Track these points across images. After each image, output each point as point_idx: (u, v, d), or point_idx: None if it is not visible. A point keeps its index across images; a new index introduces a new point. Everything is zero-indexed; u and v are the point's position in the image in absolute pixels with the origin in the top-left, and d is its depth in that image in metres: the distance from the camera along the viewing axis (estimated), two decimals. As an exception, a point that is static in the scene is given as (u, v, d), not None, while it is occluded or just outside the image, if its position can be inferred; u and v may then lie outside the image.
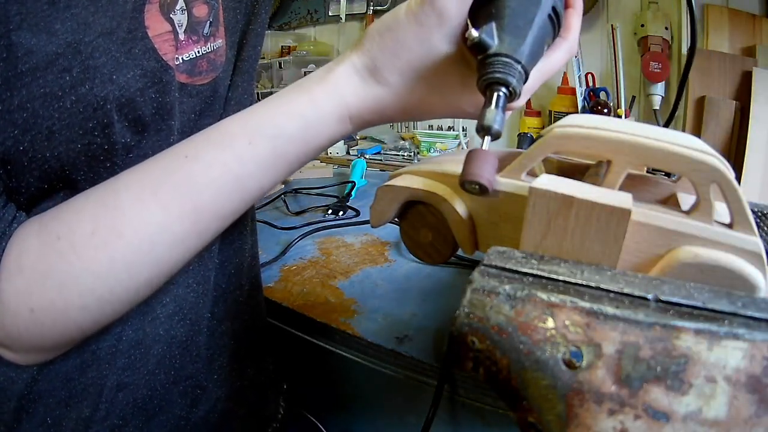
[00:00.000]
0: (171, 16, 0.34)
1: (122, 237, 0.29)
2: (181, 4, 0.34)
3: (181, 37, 0.34)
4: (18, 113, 0.28)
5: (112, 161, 0.32)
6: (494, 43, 0.28)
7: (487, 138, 0.27)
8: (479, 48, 0.28)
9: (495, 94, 0.27)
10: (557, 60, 0.33)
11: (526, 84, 0.29)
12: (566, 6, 0.34)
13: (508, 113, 0.31)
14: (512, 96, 0.28)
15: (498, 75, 0.27)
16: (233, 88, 0.40)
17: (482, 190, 0.27)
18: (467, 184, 0.27)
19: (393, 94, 0.32)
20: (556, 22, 0.31)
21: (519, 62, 0.28)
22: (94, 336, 0.34)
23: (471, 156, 0.27)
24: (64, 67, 0.28)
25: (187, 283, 0.40)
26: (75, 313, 0.30)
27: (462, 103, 0.33)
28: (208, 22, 0.36)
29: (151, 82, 0.32)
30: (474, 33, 0.27)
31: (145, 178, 0.30)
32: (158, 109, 0.33)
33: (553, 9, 0.30)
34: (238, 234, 0.45)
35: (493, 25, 0.28)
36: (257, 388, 0.52)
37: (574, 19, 0.34)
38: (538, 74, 0.32)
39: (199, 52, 0.36)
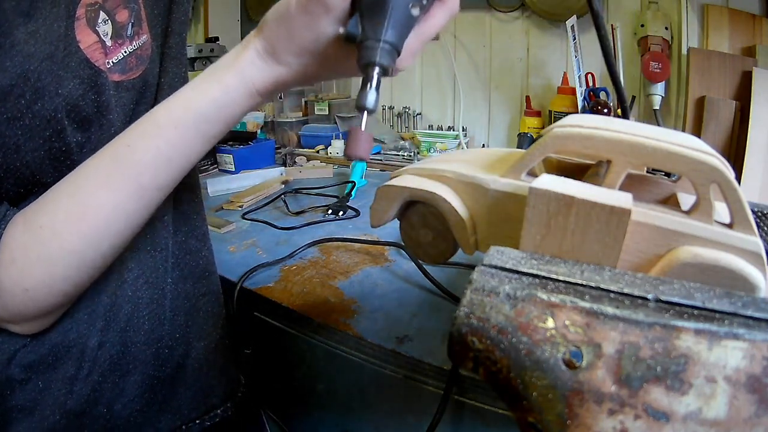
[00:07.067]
0: (96, 28, 0.39)
1: (86, 219, 0.36)
2: (102, 16, 0.40)
3: (108, 43, 0.40)
4: None
5: (71, 159, 0.38)
6: (358, 32, 0.32)
7: (365, 115, 0.32)
8: (350, 40, 0.33)
9: (369, 75, 0.32)
10: (435, 22, 0.37)
11: (410, 47, 0.35)
12: None
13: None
14: (386, 72, 0.32)
15: (367, 60, 0.32)
16: (164, 74, 0.45)
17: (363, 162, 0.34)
18: (351, 159, 0.33)
19: (291, 72, 0.37)
20: None
21: (383, 41, 0.32)
22: (74, 302, 0.41)
23: (351, 134, 0.33)
24: (18, 94, 0.34)
25: (146, 249, 0.46)
26: (60, 284, 0.37)
27: (350, 70, 0.37)
28: (130, 23, 0.42)
29: (88, 86, 0.38)
30: (341, 30, 0.33)
31: (97, 169, 0.37)
32: (98, 107, 0.39)
33: None
34: (186, 203, 0.51)
35: (357, 16, 0.33)
36: (222, 350, 0.55)
37: None
38: (417, 39, 0.36)
39: (126, 51, 0.41)
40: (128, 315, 0.44)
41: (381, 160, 1.39)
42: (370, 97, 0.32)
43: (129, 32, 0.41)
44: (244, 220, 0.93)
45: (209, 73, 0.38)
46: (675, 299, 0.22)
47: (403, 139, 1.50)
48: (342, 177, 1.21)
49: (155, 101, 0.44)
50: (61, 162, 0.38)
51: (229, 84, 0.37)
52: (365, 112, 0.32)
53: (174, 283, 0.49)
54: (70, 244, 0.36)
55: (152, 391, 0.47)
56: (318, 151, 1.52)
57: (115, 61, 0.40)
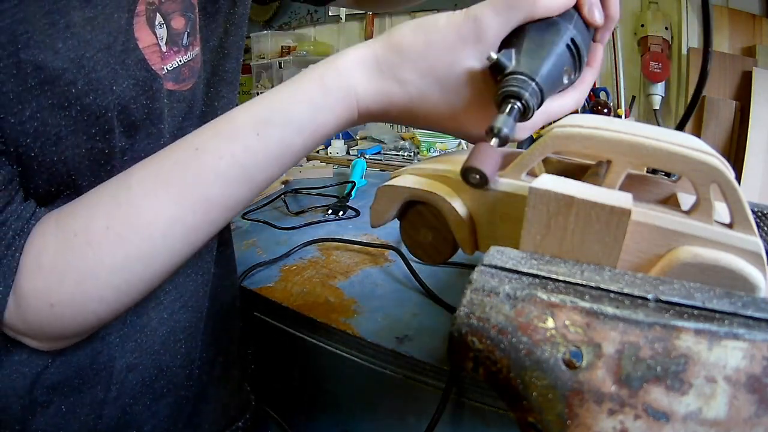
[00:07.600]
0: (154, 29, 0.36)
1: (136, 231, 0.30)
2: (159, 18, 0.36)
3: (164, 48, 0.37)
4: (29, 123, 0.30)
5: (111, 164, 0.34)
6: (511, 64, 0.29)
7: (495, 140, 0.28)
8: (497, 68, 0.30)
9: (508, 106, 0.28)
10: (565, 103, 0.34)
11: (530, 120, 0.30)
12: (588, 63, 0.35)
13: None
14: (526, 111, 0.29)
15: (512, 89, 0.28)
16: (217, 98, 0.42)
17: (482, 182, 0.28)
18: (469, 172, 0.28)
19: (405, 93, 0.32)
20: (575, 53, 0.32)
21: (533, 79, 0.29)
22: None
23: (478, 147, 0.28)
24: (69, 81, 0.30)
25: (186, 273, 0.42)
26: (93, 306, 0.31)
27: (467, 123, 0.33)
28: (186, 33, 0.38)
29: (142, 90, 0.35)
30: (493, 55, 0.29)
31: (156, 172, 0.32)
32: (148, 114, 0.35)
33: (573, 41, 0.31)
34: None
35: (513, 50, 0.30)
36: (238, 364, 0.54)
37: (589, 74, 0.35)
38: (542, 114, 0.32)
39: (180, 61, 0.38)
40: (163, 338, 0.41)
41: (381, 160, 1.39)
42: (509, 123, 0.27)
43: (185, 41, 0.38)
44: (244, 220, 0.93)
45: (308, 71, 0.33)
46: (675, 299, 0.22)
47: (403, 139, 1.50)
48: (342, 177, 1.21)
49: (202, 122, 0.39)
50: (100, 166, 0.34)
51: (329, 83, 0.32)
52: (496, 137, 0.28)
53: (211, 305, 0.46)
54: (110, 259, 0.30)
55: (179, 410, 0.45)
56: (318, 151, 1.53)
57: (169, 69, 0.37)
